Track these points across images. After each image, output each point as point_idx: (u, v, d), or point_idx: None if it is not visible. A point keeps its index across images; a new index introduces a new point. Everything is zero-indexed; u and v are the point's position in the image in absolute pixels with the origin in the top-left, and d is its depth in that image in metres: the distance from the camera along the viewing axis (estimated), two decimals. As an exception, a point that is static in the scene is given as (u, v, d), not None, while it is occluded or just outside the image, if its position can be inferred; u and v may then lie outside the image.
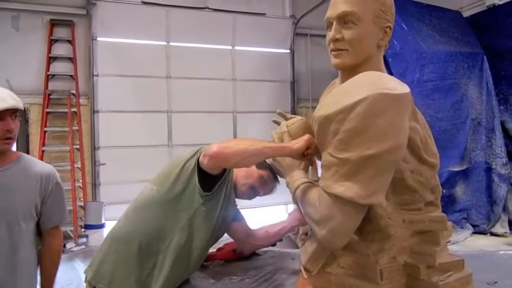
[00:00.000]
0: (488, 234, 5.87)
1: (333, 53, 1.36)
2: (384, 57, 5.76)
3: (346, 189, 1.16)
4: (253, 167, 1.86)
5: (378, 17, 1.32)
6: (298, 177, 1.44)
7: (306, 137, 1.38)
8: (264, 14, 7.59)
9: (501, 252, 1.88)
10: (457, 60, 5.96)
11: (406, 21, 5.63)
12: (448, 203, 5.86)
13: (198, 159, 1.60)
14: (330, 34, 1.35)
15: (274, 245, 1.99)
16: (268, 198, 1.97)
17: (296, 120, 1.61)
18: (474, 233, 5.90)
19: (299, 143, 1.37)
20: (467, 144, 6.07)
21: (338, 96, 1.24)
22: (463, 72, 6.00)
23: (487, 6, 6.37)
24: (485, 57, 6.18)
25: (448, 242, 4.84)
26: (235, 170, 1.83)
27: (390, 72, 5.41)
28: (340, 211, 1.19)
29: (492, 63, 6.18)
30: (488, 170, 6.13)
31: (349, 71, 1.36)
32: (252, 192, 1.86)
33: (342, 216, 1.19)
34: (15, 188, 1.77)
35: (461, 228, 5.85)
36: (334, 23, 1.33)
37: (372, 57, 1.35)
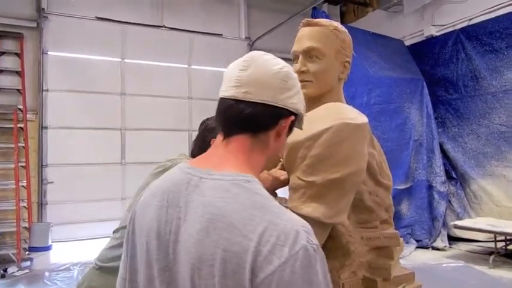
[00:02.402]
0: (430, 249, 6.24)
1: (298, 83, 1.48)
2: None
3: (313, 209, 1.26)
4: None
5: (339, 52, 1.47)
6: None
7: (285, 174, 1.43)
8: (221, 34, 7.75)
9: (444, 265, 2.06)
10: (401, 86, 6.43)
11: (355, 48, 5.94)
12: (394, 219, 6.11)
13: None
14: (296, 66, 1.47)
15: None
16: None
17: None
18: (418, 247, 6.25)
19: (285, 175, 1.41)
20: (411, 163, 6.49)
21: (305, 124, 1.35)
22: (405, 96, 6.46)
23: (426, 37, 6.98)
24: (424, 83, 6.70)
25: (395, 257, 4.98)
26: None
27: (341, 96, 5.72)
28: (307, 230, 1.28)
29: (430, 89, 6.72)
30: (429, 187, 6.58)
31: (313, 101, 1.49)
32: None
33: (309, 235, 1.28)
34: None
35: (407, 243, 6.17)
36: (300, 57, 1.46)
37: (333, 89, 1.50)
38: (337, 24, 1.51)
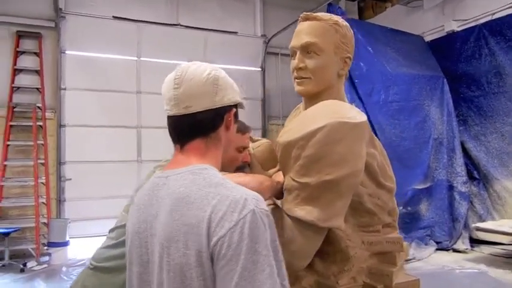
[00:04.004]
0: (451, 251, 6.04)
1: (296, 80, 1.43)
2: (351, 78, 5.90)
3: (306, 212, 1.20)
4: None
5: (339, 48, 1.40)
6: (263, 199, 1.47)
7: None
8: (236, 32, 7.72)
9: (457, 271, 1.97)
10: (420, 83, 6.24)
11: (372, 45, 5.86)
12: (413, 220, 6.02)
13: None
14: (294, 63, 1.41)
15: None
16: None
17: (262, 143, 1.65)
18: (437, 249, 6.05)
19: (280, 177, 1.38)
20: (430, 162, 6.29)
21: (300, 123, 1.29)
22: (425, 94, 6.27)
23: (447, 32, 6.75)
24: (445, 80, 6.49)
25: (412, 259, 5.01)
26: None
27: (357, 93, 5.58)
28: (301, 234, 1.22)
29: (452, 86, 6.50)
30: (450, 188, 6.36)
31: (311, 98, 1.43)
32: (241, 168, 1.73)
33: (303, 239, 1.23)
34: None
35: (426, 245, 5.99)
36: (298, 53, 1.40)
37: (333, 86, 1.42)
38: (338, 18, 1.44)
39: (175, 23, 7.22)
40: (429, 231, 6.21)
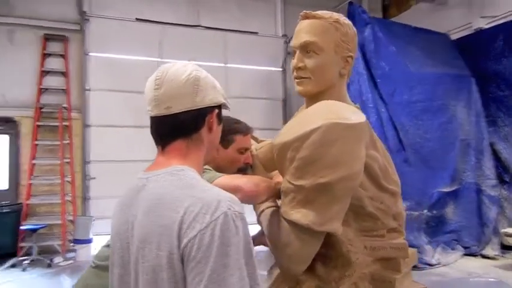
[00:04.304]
0: (479, 257, 5.80)
1: (296, 80, 1.39)
2: (373, 78, 5.75)
3: (302, 216, 1.17)
4: (222, 151, 1.63)
5: (339, 46, 1.35)
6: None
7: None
8: (257, 32, 7.71)
9: (471, 279, 1.88)
10: (445, 82, 6.03)
11: (395, 44, 5.71)
12: (439, 224, 5.83)
13: None
14: (293, 62, 1.38)
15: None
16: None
17: (265, 143, 1.63)
18: (465, 254, 5.82)
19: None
20: (457, 165, 6.06)
21: (297, 123, 1.26)
22: (451, 94, 6.06)
23: (474, 30, 6.49)
24: (473, 79, 6.24)
25: (437, 265, 4.83)
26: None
27: (379, 93, 5.45)
28: (297, 238, 1.20)
29: (480, 86, 6.24)
30: (479, 191, 6.10)
31: (312, 98, 1.39)
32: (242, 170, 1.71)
33: (299, 243, 1.20)
34: None
35: (452, 249, 5.77)
36: (297, 52, 1.37)
37: (334, 85, 1.38)
38: (339, 16, 1.40)
39: (196, 24, 7.28)
40: (456, 236, 5.98)
